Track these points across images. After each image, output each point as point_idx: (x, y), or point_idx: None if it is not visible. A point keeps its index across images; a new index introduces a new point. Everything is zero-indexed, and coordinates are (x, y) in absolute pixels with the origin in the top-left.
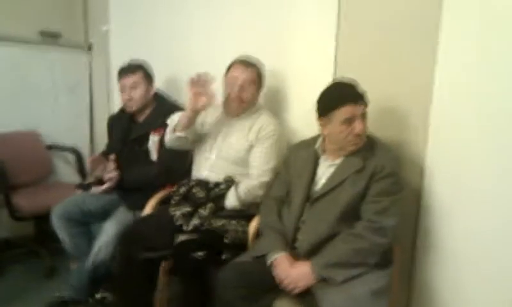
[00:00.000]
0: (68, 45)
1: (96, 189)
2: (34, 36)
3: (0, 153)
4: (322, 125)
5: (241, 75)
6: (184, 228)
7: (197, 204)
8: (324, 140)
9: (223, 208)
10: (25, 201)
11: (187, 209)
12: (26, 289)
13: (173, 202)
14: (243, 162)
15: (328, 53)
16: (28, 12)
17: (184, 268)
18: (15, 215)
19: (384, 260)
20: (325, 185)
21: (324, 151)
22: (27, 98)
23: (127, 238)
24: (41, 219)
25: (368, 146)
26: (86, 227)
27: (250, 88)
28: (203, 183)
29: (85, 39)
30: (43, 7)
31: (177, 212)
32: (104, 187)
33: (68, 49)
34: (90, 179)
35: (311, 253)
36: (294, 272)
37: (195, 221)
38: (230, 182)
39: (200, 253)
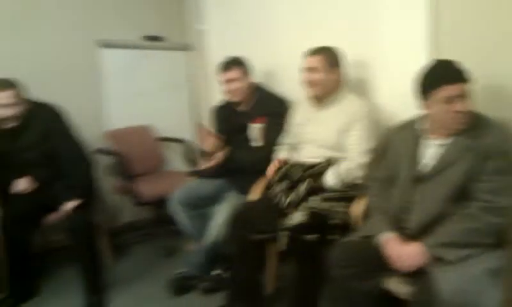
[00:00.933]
0: (170, 46)
1: (205, 165)
2: (140, 40)
3: (118, 147)
4: (423, 105)
5: (307, 63)
6: (280, 204)
7: (295, 181)
8: (426, 120)
9: (321, 188)
10: (144, 188)
11: (285, 185)
12: (149, 267)
13: (273, 181)
14: (338, 146)
15: (419, 35)
16: (134, 20)
17: (294, 250)
18: (137, 201)
19: (500, 240)
20: (433, 165)
21: (427, 131)
22: (138, 97)
23: (239, 221)
24: (159, 204)
25: (478, 125)
26: (201, 210)
27: (319, 73)
28: (301, 164)
29: (184, 40)
30: (146, 15)
31: (277, 188)
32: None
33: (170, 50)
34: (201, 166)
35: (421, 233)
36: (404, 252)
37: (292, 197)
38: (329, 161)
39: (310, 236)
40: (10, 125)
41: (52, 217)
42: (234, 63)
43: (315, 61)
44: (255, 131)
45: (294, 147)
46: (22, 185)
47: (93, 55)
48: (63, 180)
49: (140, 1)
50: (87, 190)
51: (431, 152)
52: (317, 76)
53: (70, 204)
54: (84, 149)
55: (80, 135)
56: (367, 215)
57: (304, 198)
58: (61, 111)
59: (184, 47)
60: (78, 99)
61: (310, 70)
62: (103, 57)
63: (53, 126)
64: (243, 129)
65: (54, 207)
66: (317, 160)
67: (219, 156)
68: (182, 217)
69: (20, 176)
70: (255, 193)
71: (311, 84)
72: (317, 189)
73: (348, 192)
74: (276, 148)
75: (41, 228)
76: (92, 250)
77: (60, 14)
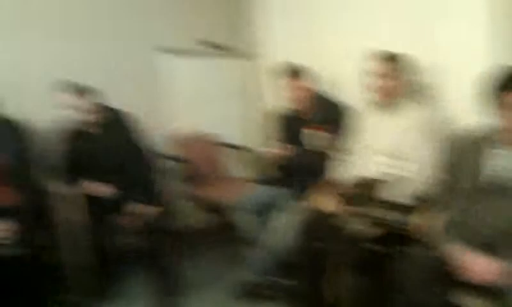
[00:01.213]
0: (231, 53)
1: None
2: (201, 47)
3: (181, 152)
4: (491, 112)
5: (374, 68)
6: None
7: (363, 204)
8: (494, 128)
9: (387, 202)
10: (209, 194)
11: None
12: (215, 273)
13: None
14: (400, 154)
15: (482, 40)
16: (194, 27)
17: (360, 261)
18: (201, 206)
19: None
20: (502, 175)
21: (495, 139)
22: (200, 103)
23: (308, 230)
24: (222, 210)
25: None
26: (264, 217)
27: (385, 79)
28: (366, 183)
29: (245, 47)
30: (207, 22)
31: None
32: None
33: (232, 57)
34: (264, 173)
35: (491, 245)
36: (476, 264)
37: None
38: (393, 179)
39: (371, 245)
40: (88, 129)
41: (121, 221)
42: (298, 71)
43: (382, 67)
44: (314, 138)
45: (356, 154)
46: (100, 190)
47: (154, 61)
48: (130, 185)
49: (200, 8)
50: (155, 196)
51: (499, 162)
52: (383, 82)
53: (138, 209)
54: (151, 155)
55: (146, 141)
56: (433, 225)
57: (363, 205)
58: (132, 118)
59: (245, 54)
60: (141, 105)
61: (376, 75)
62: (164, 63)
63: (127, 133)
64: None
65: (121, 211)
66: (382, 173)
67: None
68: (245, 223)
69: (95, 179)
70: (315, 201)
71: (376, 89)
72: (375, 198)
73: (410, 203)
74: (336, 155)
75: (110, 231)
76: (162, 254)
77: (121, 21)
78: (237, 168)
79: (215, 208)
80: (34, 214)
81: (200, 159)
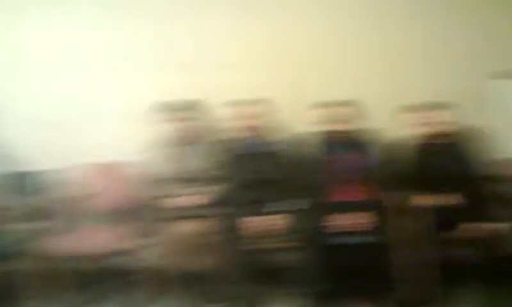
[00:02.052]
0: None
1: None
2: None
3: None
4: None
5: None
6: None
7: None
8: None
9: None
10: None
11: None
12: None
13: None
14: None
15: None
16: None
17: None
18: None
19: None
20: None
21: None
22: None
23: None
24: None
25: None
26: None
27: None
28: None
29: None
30: None
31: None
32: None
33: None
34: None
35: None
36: None
37: None
38: None
39: None
40: (439, 141)
41: (461, 233)
42: None
43: None
44: None
45: None
46: (448, 199)
47: (483, 86)
48: (475, 199)
49: None
50: (494, 213)
51: None
52: None
53: (483, 225)
54: (487, 174)
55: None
56: None
57: None
58: (479, 136)
59: None
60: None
61: None
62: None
63: (470, 149)
64: None
65: (462, 223)
66: None
67: None
68: None
69: (440, 191)
70: None
71: None
72: None
73: None
74: None
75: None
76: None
77: (452, 45)
78: None
79: None
80: (384, 210)
81: None
